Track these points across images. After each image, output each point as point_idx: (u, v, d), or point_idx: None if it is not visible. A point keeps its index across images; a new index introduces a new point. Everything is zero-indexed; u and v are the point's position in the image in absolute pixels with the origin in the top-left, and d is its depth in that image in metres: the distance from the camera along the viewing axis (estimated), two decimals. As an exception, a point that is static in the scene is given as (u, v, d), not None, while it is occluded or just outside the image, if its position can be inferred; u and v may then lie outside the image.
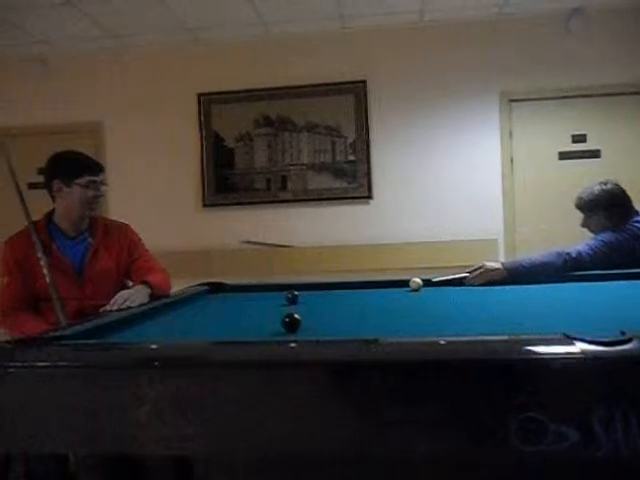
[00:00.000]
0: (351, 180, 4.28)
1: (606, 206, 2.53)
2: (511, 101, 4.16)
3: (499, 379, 0.98)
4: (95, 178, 2.08)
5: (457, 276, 2.29)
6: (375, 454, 1.04)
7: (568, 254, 2.30)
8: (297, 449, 1.05)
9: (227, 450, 1.08)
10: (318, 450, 1.04)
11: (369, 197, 4.28)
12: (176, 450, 1.11)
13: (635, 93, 4.06)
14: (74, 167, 2.07)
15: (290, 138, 4.32)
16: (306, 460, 1.12)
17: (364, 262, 4.12)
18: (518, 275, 2.22)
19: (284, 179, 4.34)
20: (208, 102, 4.39)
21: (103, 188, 2.15)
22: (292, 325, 1.36)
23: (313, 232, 4.31)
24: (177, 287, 2.28)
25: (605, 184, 2.59)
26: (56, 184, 2.07)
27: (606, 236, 2.43)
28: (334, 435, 1.01)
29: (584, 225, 2.64)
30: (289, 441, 1.03)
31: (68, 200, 2.07)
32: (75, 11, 3.73)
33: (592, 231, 2.58)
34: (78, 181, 2.05)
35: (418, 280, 2.20)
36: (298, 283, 2.28)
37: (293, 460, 1.13)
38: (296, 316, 1.38)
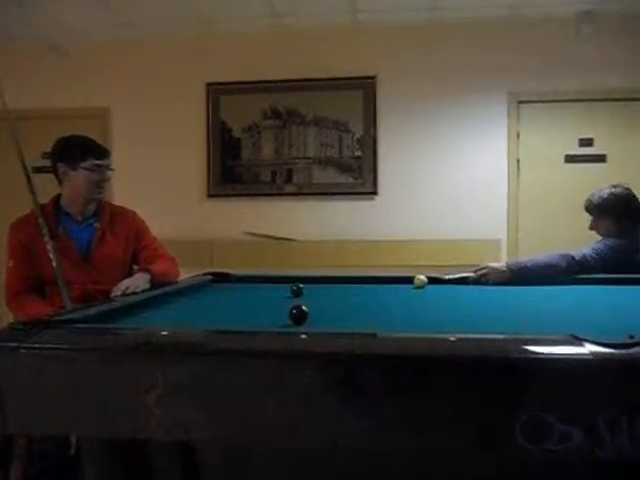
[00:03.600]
0: (357, 176, 4.28)
1: (615, 211, 2.53)
2: (520, 102, 4.15)
3: (506, 378, 0.99)
4: (100, 162, 2.09)
5: (461, 275, 2.29)
6: (378, 449, 1.05)
7: (572, 257, 2.31)
8: (301, 441, 1.05)
9: (232, 438, 1.09)
10: (321, 442, 1.04)
11: (374, 193, 4.27)
12: (181, 436, 1.12)
13: (644, 99, 4.06)
14: (79, 151, 2.08)
15: (297, 131, 4.32)
16: (309, 452, 1.13)
17: (367, 258, 4.12)
18: (522, 276, 2.23)
19: (290, 172, 4.34)
20: (217, 92, 4.38)
21: (109, 173, 2.15)
22: (300, 317, 1.37)
23: (317, 226, 4.31)
24: (180, 276, 2.28)
25: (615, 188, 2.58)
26: (61, 168, 2.08)
27: (612, 241, 2.43)
28: (337, 428, 1.02)
29: (592, 228, 2.64)
30: (293, 432, 1.04)
31: (74, 184, 2.08)
32: (87, -4, 3.73)
33: (600, 234, 2.58)
34: (83, 164, 2.05)
35: (423, 277, 2.21)
36: (302, 276, 2.28)
37: (295, 451, 1.14)
38: (304, 308, 1.38)
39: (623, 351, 0.96)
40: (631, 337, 1.02)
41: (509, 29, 4.11)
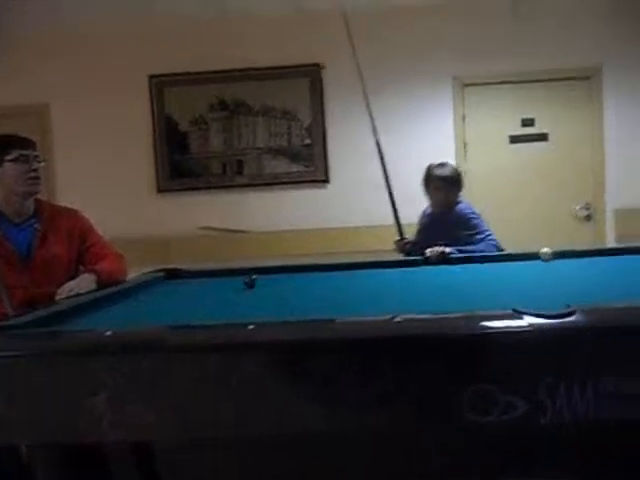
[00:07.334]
0: (308, 164, 4.27)
1: (460, 183, 2.85)
2: (465, 85, 4.23)
3: (453, 354, 1.01)
4: (25, 152, 2.03)
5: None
6: (332, 431, 1.06)
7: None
8: (257, 430, 1.05)
9: (188, 434, 1.08)
10: (276, 430, 1.05)
11: (326, 181, 4.28)
12: (136, 436, 1.10)
13: (581, 78, 4.19)
14: (1, 146, 2.02)
15: (246, 122, 4.26)
16: (266, 441, 1.13)
17: (321, 246, 4.12)
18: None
19: (240, 163, 4.29)
20: (160, 84, 4.26)
21: (40, 164, 2.09)
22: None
23: (271, 217, 4.28)
24: (133, 275, 2.23)
25: (445, 164, 2.89)
26: None
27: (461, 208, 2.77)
28: (291, 414, 1.02)
29: (443, 199, 2.86)
30: (248, 422, 1.03)
31: (4, 181, 2.02)
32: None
33: (445, 206, 2.83)
34: (8, 157, 2.00)
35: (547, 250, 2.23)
36: (257, 267, 2.26)
37: (254, 441, 1.14)
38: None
39: (559, 321, 1.00)
40: (568, 306, 1.06)
41: (452, 13, 4.16)
